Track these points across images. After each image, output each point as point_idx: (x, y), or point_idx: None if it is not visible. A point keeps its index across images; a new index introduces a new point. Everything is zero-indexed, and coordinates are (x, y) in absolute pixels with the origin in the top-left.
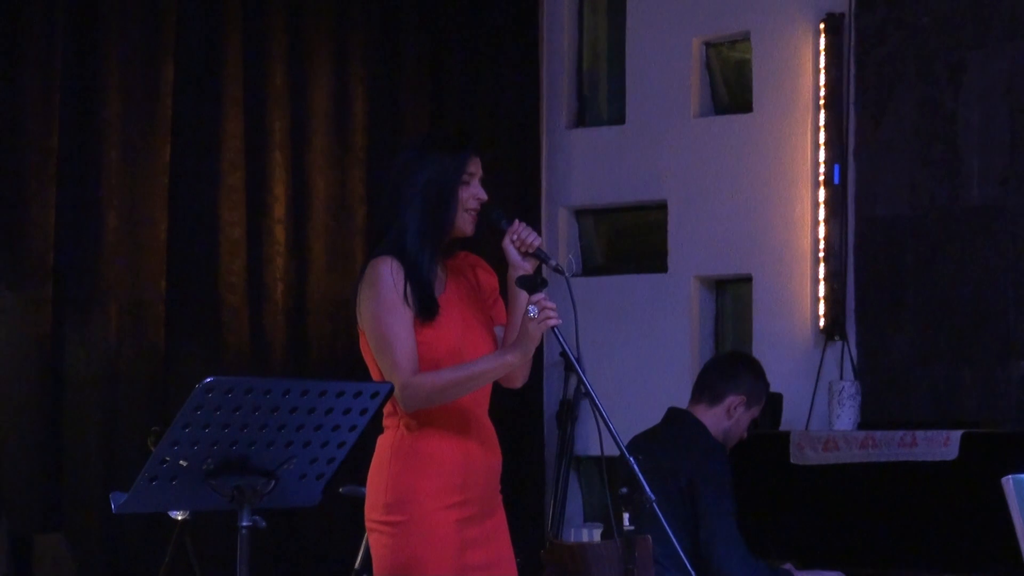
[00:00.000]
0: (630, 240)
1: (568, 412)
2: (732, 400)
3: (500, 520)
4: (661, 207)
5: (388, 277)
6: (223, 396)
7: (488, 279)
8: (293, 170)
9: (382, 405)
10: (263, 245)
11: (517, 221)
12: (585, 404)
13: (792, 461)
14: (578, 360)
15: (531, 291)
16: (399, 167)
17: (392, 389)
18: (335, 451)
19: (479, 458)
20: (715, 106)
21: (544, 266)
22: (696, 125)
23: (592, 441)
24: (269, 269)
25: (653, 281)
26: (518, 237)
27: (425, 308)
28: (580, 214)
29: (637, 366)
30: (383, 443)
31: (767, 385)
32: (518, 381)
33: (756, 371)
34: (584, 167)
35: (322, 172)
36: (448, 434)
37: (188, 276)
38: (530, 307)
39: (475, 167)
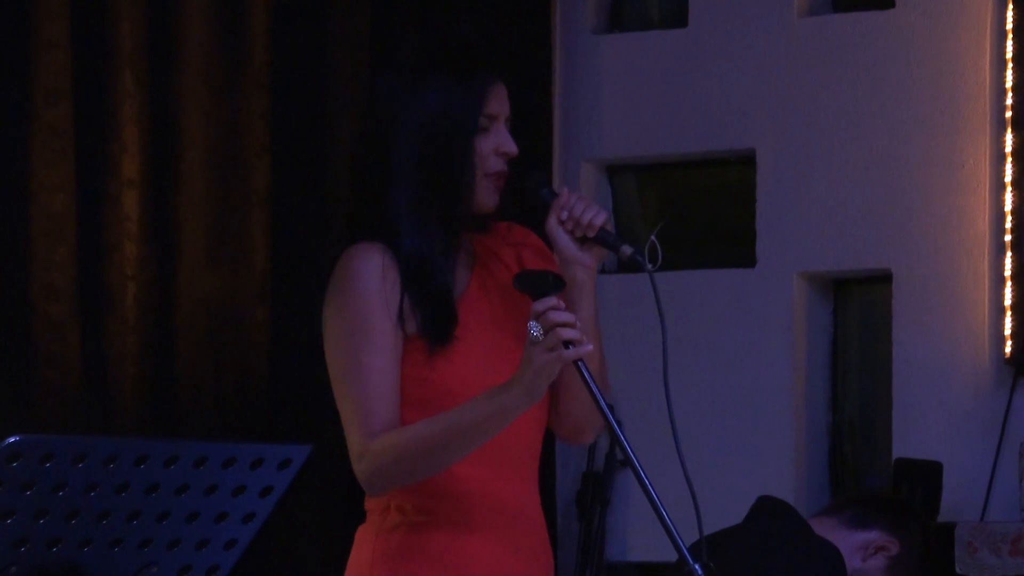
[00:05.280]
0: (695, 214)
1: (597, 492)
2: (879, 538)
3: None
4: (746, 161)
5: (368, 276)
6: (36, 466)
7: (542, 267)
8: (152, 102)
9: (296, 480)
10: (104, 223)
11: (566, 190)
12: (623, 481)
13: (959, 571)
14: (660, 416)
15: (536, 295)
16: (382, 101)
17: (309, 453)
18: (220, 555)
19: (509, 562)
20: None
21: (621, 257)
22: (802, 29)
23: (634, 538)
24: (114, 261)
25: (733, 279)
26: (570, 215)
27: (438, 325)
28: (614, 171)
29: (708, 414)
30: (361, 538)
31: (925, 566)
32: (586, 432)
33: (925, 535)
34: (621, 96)
35: (200, 105)
36: (461, 523)
37: None
38: (531, 323)
39: (497, 102)
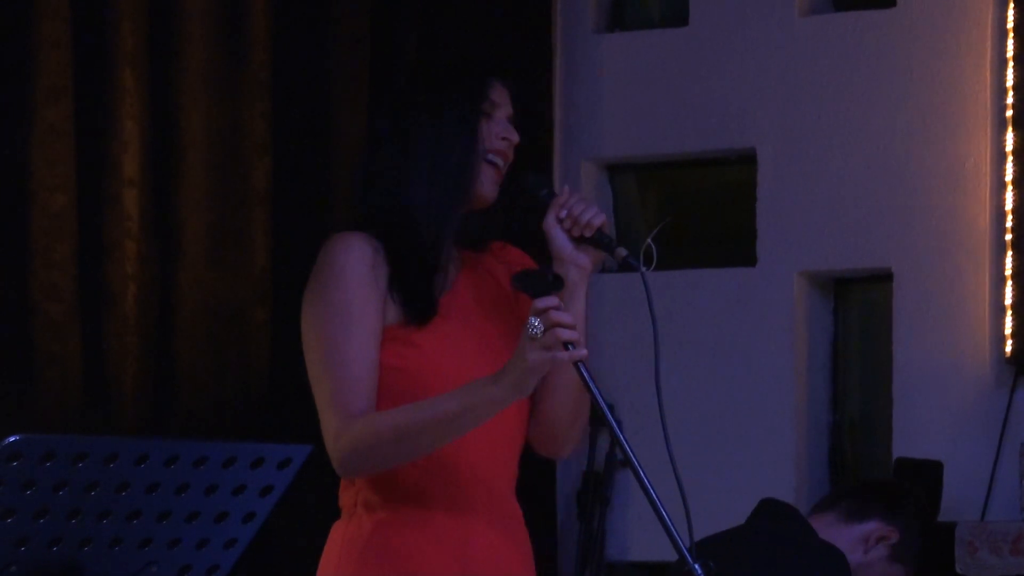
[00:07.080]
0: (695, 213)
1: (597, 491)
2: (878, 528)
3: None
4: (746, 160)
5: (353, 261)
6: (37, 466)
7: None
8: (152, 100)
9: (295, 479)
10: (104, 222)
11: (567, 189)
12: (623, 480)
13: (959, 571)
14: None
15: (536, 293)
16: (385, 103)
17: (310, 453)
18: (219, 555)
19: (489, 559)
20: None
21: (617, 259)
22: (803, 28)
23: (634, 537)
24: (114, 261)
25: (734, 279)
26: (569, 213)
27: (417, 306)
28: (615, 171)
29: (708, 413)
30: (334, 534)
31: (927, 546)
32: (561, 444)
33: (924, 517)
34: (621, 96)
35: (200, 105)
36: (433, 519)
37: None
38: (531, 319)
39: (500, 95)
